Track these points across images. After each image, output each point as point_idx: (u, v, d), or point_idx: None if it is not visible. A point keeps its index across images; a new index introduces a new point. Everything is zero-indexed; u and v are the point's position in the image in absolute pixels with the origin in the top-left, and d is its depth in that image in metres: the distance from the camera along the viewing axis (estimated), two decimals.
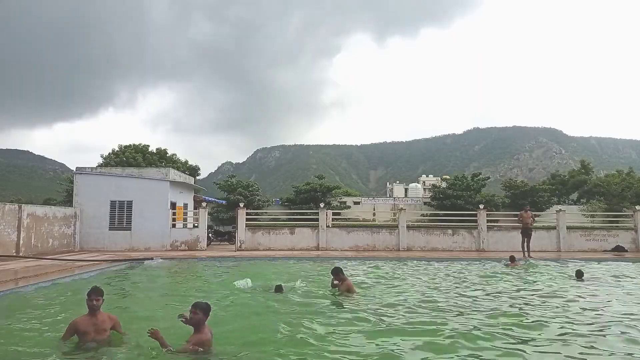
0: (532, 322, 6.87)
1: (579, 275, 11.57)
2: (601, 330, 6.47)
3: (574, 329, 6.49)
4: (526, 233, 17.87)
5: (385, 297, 8.99)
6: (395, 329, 6.45)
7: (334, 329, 6.33)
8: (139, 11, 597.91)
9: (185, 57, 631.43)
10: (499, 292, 9.68)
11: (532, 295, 9.33)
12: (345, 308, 7.88)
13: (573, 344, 5.73)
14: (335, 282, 9.28)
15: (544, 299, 8.81)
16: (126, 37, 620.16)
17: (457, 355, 5.26)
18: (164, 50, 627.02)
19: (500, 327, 6.54)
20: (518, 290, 9.92)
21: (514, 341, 5.85)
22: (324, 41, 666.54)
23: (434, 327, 6.46)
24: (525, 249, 17.66)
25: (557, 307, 8.05)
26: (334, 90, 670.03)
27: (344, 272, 9.53)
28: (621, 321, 6.95)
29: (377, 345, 5.63)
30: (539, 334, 6.19)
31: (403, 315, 7.28)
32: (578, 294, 9.52)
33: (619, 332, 6.31)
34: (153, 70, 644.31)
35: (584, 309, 7.95)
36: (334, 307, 8.02)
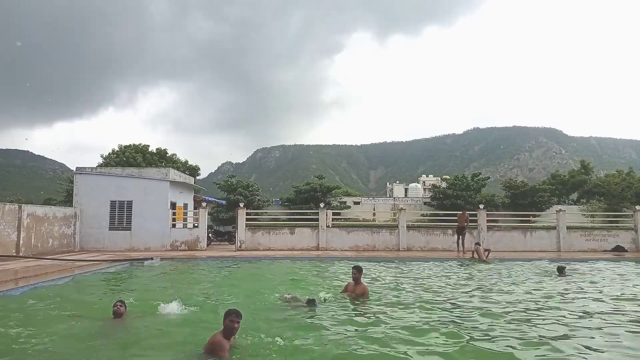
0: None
1: (561, 270, 12.48)
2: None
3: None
4: (460, 231, 19.60)
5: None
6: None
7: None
8: (138, 9, 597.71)
9: (185, 56, 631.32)
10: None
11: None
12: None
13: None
14: (351, 282, 8.91)
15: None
16: (126, 36, 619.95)
17: None
18: (164, 50, 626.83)
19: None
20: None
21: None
22: (325, 40, 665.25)
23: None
24: (460, 247, 19.43)
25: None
26: (334, 90, 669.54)
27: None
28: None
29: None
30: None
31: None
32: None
33: None
34: (153, 69, 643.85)
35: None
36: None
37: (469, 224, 20.19)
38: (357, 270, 8.86)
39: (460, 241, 19.59)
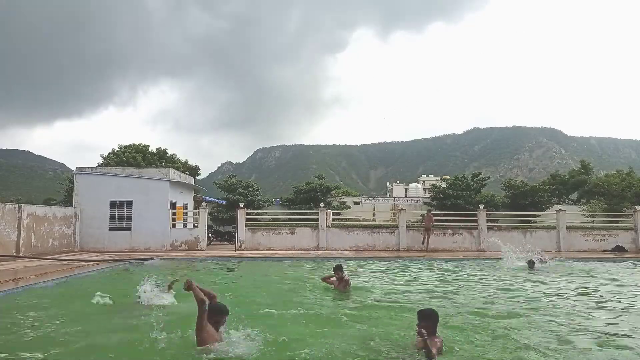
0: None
1: (531, 265, 13.48)
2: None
3: None
4: (426, 232, 20.38)
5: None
6: None
7: None
8: (137, 7, 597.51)
9: (185, 53, 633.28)
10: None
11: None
12: None
13: None
14: (333, 278, 9.75)
15: None
16: (125, 33, 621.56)
17: None
18: (163, 48, 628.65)
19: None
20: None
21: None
22: (325, 37, 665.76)
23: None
24: (424, 245, 20.22)
25: None
26: (335, 89, 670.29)
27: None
28: None
29: None
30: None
31: None
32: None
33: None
34: (153, 67, 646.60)
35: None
36: None
37: (433, 224, 20.93)
38: (341, 269, 9.79)
39: (425, 240, 20.29)
